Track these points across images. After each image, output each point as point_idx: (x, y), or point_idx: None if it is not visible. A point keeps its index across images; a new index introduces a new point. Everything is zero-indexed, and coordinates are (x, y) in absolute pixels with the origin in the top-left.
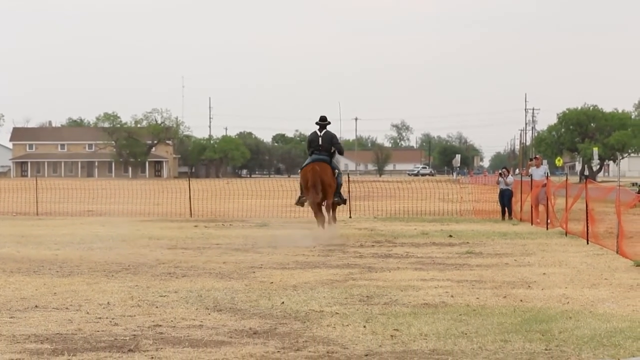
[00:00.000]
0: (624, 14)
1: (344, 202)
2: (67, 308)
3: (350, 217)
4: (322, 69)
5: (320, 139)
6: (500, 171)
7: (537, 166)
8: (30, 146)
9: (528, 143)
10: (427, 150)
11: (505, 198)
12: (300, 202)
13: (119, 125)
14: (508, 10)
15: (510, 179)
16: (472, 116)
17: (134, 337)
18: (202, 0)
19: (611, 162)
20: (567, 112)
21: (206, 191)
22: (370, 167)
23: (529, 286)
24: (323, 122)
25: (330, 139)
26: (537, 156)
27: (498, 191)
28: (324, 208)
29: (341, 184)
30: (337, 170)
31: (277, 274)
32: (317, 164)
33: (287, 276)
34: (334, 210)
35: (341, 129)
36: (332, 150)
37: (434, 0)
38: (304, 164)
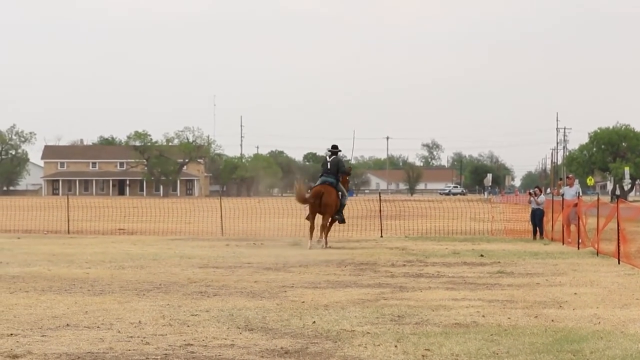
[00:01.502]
0: None
1: (343, 221)
2: (98, 327)
3: (381, 236)
4: (353, 88)
5: (329, 163)
6: (531, 191)
7: (570, 185)
8: (62, 164)
9: (559, 162)
10: (458, 169)
11: (537, 217)
12: (308, 217)
13: (150, 144)
14: (539, 29)
15: (541, 198)
16: (504, 135)
17: (165, 356)
18: (234, 20)
19: None
20: (598, 131)
21: (237, 210)
22: (402, 186)
23: (561, 306)
24: (334, 149)
25: (337, 163)
26: (570, 175)
27: (530, 210)
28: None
29: (344, 205)
30: (341, 192)
31: (308, 293)
32: (323, 186)
33: (318, 295)
34: (327, 230)
35: (353, 154)
36: (338, 174)
37: (464, 18)
38: (314, 185)
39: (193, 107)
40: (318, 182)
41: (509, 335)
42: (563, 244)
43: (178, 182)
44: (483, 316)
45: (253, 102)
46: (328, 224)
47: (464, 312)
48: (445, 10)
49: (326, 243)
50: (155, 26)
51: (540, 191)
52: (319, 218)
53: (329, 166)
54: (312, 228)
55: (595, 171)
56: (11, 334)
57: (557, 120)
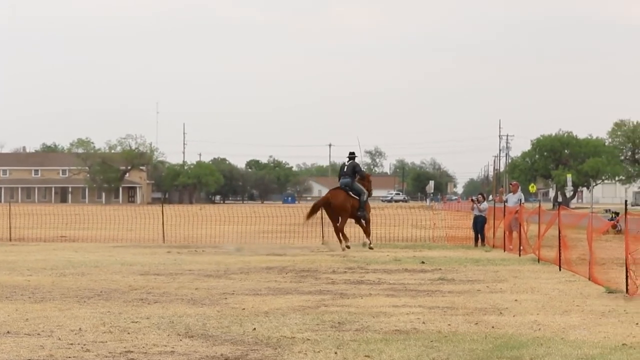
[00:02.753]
0: (597, 41)
1: (364, 217)
2: (38, 334)
3: (322, 243)
4: (296, 96)
5: (345, 167)
6: (473, 198)
7: (514, 192)
8: (4, 172)
9: (502, 169)
10: (400, 176)
11: (479, 224)
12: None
13: (92, 151)
14: (482, 38)
15: (484, 205)
16: (446, 143)
17: None
18: (176, 27)
19: (585, 189)
20: (541, 138)
21: (179, 217)
22: None
23: (501, 313)
24: (351, 155)
25: (353, 167)
26: (513, 182)
27: (472, 218)
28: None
29: (364, 201)
30: (358, 191)
31: (249, 300)
32: (330, 193)
33: (259, 302)
34: (366, 230)
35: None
36: (355, 176)
37: (407, 27)
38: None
39: (136, 115)
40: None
41: (449, 341)
42: (504, 250)
43: (120, 189)
44: (423, 323)
45: (196, 110)
46: (362, 222)
47: (405, 319)
48: (389, 19)
49: (347, 240)
50: (97, 33)
51: (484, 198)
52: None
53: (345, 169)
54: (338, 230)
55: (537, 178)
56: None
57: (499, 128)
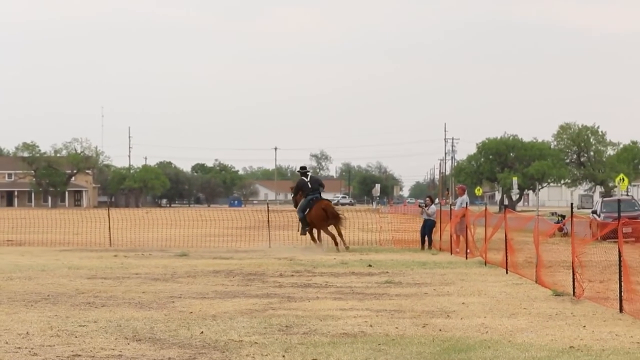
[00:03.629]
0: (542, 44)
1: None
2: None
3: (270, 246)
4: (241, 98)
5: (309, 183)
6: (420, 202)
7: (460, 195)
8: None
9: (447, 173)
10: (346, 179)
11: (427, 228)
12: (305, 232)
13: (38, 155)
14: (427, 40)
15: (432, 208)
16: (392, 146)
17: None
18: (122, 29)
19: (530, 192)
20: (486, 141)
21: (126, 221)
22: (290, 196)
23: (448, 315)
24: (304, 170)
25: (317, 181)
26: (460, 185)
27: (422, 221)
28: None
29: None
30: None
31: (196, 303)
32: (323, 202)
33: (206, 306)
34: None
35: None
36: (319, 189)
37: (352, 29)
38: (306, 204)
39: (81, 118)
40: (309, 199)
41: (396, 344)
42: (451, 253)
43: (66, 193)
44: (371, 326)
45: (141, 113)
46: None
47: (352, 322)
48: (332, 20)
49: (345, 243)
50: (43, 35)
51: (432, 201)
52: (332, 228)
53: (310, 185)
54: (316, 235)
55: (483, 181)
56: None
57: (445, 131)
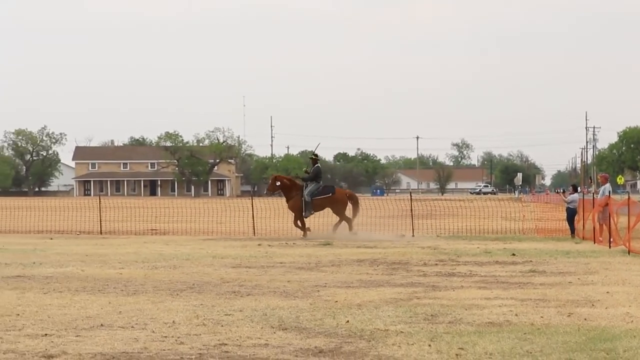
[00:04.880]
0: None
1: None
2: (132, 327)
3: (413, 235)
4: (383, 87)
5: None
6: (559, 190)
7: (603, 183)
8: (93, 165)
9: (589, 161)
10: (488, 168)
11: (568, 216)
12: (308, 215)
13: (181, 144)
14: (569, 28)
15: (573, 197)
16: (533, 135)
17: (200, 355)
18: (263, 19)
19: None
20: (627, 130)
21: (269, 209)
22: (432, 185)
23: (593, 305)
24: (317, 157)
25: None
26: (602, 174)
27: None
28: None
29: None
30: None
31: (341, 292)
32: (344, 191)
33: (351, 295)
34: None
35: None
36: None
37: (488, 17)
38: (316, 189)
39: (223, 108)
40: (318, 186)
41: (542, 334)
42: (594, 242)
43: (209, 182)
44: (516, 315)
45: (283, 102)
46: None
47: (497, 311)
48: (469, 7)
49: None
50: (185, 27)
51: (575, 190)
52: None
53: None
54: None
55: (625, 170)
56: (45, 334)
57: (586, 119)
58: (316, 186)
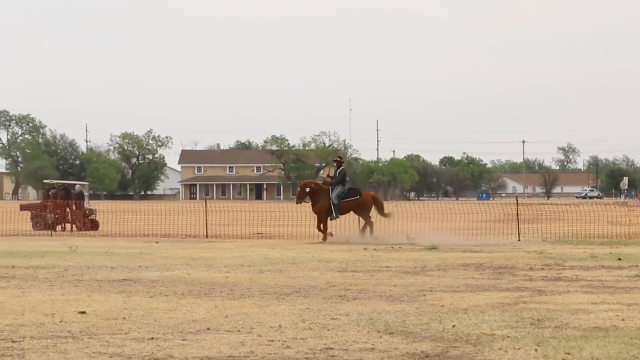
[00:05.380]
0: None
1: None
2: (238, 330)
3: (519, 239)
4: (488, 91)
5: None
6: None
7: None
8: (199, 169)
9: None
10: (594, 172)
11: None
12: (336, 218)
13: (287, 148)
14: None
15: None
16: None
17: (306, 359)
18: (368, 23)
19: None
20: None
21: (374, 213)
22: (538, 189)
23: None
24: (342, 160)
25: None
26: None
27: None
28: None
29: None
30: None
31: (447, 297)
32: (369, 193)
33: (457, 299)
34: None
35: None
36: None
37: (591, 22)
38: (343, 192)
39: (329, 112)
40: (344, 188)
41: None
42: None
43: None
44: (622, 320)
45: (389, 106)
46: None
47: (603, 316)
48: (573, 10)
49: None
50: (288, 33)
51: None
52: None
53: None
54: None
55: None
56: (152, 338)
57: None
58: (342, 189)
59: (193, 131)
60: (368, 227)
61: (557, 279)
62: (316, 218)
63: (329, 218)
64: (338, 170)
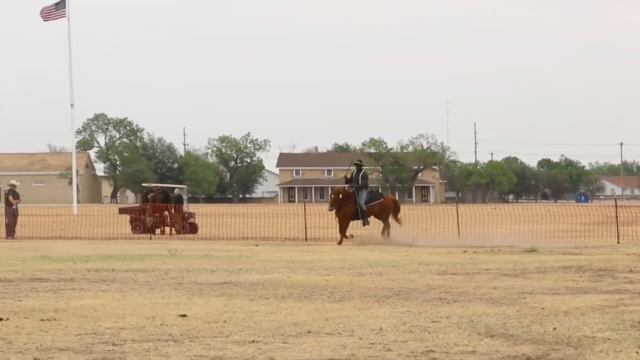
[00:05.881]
0: None
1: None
2: (339, 333)
3: (618, 242)
4: (587, 93)
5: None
6: None
7: None
8: (297, 172)
9: None
10: None
11: None
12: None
13: (385, 151)
14: None
15: None
16: None
17: None
18: (467, 27)
19: None
20: None
21: (473, 216)
22: (637, 192)
23: None
24: (362, 164)
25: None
26: None
27: None
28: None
29: None
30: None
31: (547, 299)
32: (389, 196)
33: (557, 302)
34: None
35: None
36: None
37: None
38: (368, 196)
39: (427, 115)
40: (368, 192)
41: None
42: None
43: (413, 188)
44: None
45: (487, 108)
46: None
47: None
48: None
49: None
50: (387, 37)
51: None
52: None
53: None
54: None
55: None
56: (253, 341)
57: None
58: (366, 193)
59: (291, 134)
60: (385, 229)
61: None
62: (339, 223)
63: (362, 225)
64: (360, 174)
